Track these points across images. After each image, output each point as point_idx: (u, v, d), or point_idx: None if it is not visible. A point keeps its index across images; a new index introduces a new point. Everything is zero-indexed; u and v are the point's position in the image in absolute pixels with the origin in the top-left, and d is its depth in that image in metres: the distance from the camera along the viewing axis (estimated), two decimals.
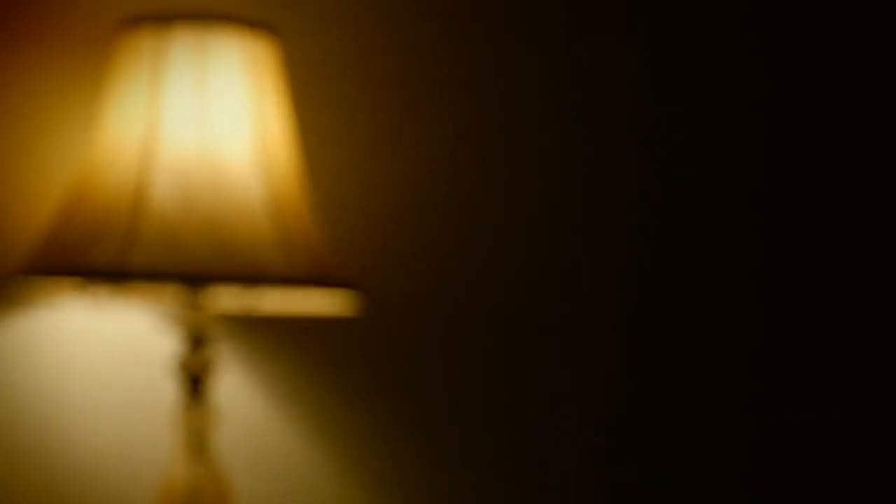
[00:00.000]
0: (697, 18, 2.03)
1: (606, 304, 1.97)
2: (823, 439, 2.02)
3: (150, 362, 1.71)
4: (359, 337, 1.86)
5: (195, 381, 1.59)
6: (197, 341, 1.59)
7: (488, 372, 1.95)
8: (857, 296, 2.06)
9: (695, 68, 2.01)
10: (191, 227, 1.45)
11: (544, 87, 1.97)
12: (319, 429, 1.86)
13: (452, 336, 1.94)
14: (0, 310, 1.66)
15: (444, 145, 1.94)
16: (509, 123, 1.96)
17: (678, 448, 1.98)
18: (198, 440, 1.58)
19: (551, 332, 1.94)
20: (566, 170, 1.96)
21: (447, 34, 1.94)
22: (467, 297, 1.95)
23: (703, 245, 2.01)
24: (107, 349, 1.72)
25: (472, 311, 1.95)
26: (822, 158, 2.06)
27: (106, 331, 1.72)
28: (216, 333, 1.62)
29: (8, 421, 1.67)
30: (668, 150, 2.00)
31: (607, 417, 1.96)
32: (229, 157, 1.51)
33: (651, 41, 1.99)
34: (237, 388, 1.79)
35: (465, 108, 1.94)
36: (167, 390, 1.67)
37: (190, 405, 1.59)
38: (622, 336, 1.98)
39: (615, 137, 1.97)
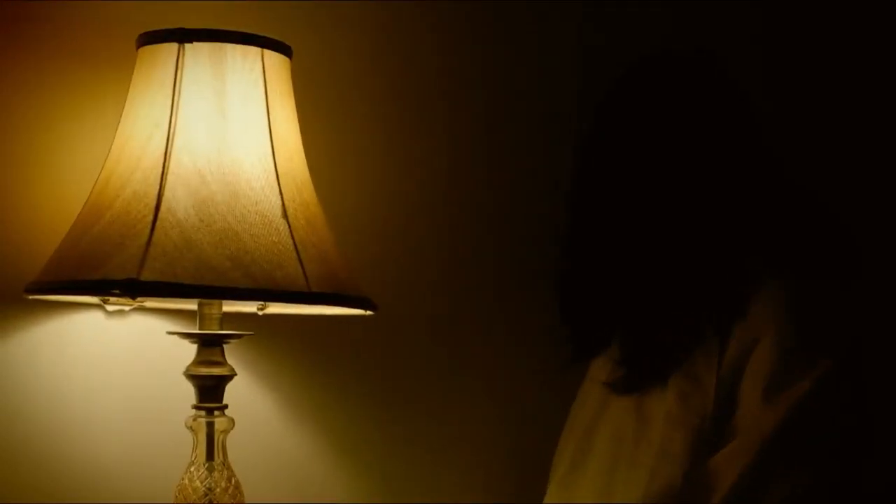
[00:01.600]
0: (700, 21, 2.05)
1: None
2: None
3: (164, 369, 1.71)
4: (369, 343, 1.86)
5: (208, 387, 1.59)
6: (210, 348, 1.59)
7: (495, 373, 1.96)
8: None
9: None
10: (207, 237, 1.45)
11: (547, 96, 1.98)
12: (330, 434, 1.86)
13: (460, 340, 1.95)
14: (13, 318, 1.66)
15: (448, 157, 1.95)
16: (516, 135, 1.98)
17: None
18: (211, 446, 1.59)
19: (556, 334, 1.95)
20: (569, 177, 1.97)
21: (452, 50, 1.96)
22: (473, 300, 1.96)
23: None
24: (121, 356, 1.73)
25: (478, 313, 1.96)
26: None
27: (120, 338, 1.72)
28: (229, 340, 1.62)
29: (17, 429, 1.67)
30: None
31: None
32: (246, 168, 1.51)
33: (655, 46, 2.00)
34: (250, 394, 1.79)
35: (471, 121, 1.96)
36: (180, 397, 1.65)
37: (204, 412, 1.59)
38: None
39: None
